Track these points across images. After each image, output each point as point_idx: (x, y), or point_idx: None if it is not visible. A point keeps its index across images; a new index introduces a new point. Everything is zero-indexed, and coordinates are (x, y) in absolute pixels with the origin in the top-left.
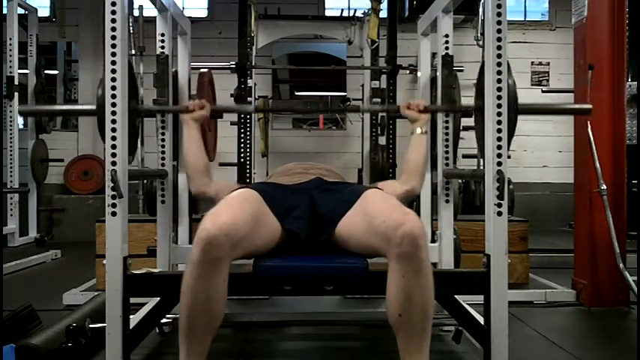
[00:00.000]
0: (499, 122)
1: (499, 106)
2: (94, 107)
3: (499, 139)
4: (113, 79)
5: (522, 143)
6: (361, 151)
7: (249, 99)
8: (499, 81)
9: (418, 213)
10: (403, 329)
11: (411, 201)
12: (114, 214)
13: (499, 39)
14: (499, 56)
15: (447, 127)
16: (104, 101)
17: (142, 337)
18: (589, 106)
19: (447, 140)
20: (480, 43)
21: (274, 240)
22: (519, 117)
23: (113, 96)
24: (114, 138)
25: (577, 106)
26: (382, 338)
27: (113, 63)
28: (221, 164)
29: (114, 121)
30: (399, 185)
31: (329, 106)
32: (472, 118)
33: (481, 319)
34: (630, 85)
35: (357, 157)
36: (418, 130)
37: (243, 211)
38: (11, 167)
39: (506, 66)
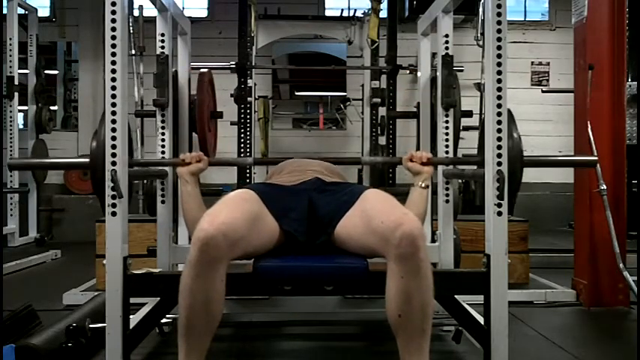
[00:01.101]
0: (499, 122)
1: (499, 106)
2: (87, 160)
3: (499, 139)
4: (113, 80)
5: (522, 143)
6: (361, 151)
7: (249, 99)
8: (499, 81)
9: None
10: (403, 330)
11: None
12: (114, 214)
13: (499, 39)
14: (499, 56)
15: (447, 127)
16: (99, 155)
17: (142, 337)
18: (594, 158)
19: (447, 140)
20: (480, 43)
21: (273, 241)
22: (520, 117)
23: (113, 96)
24: (114, 138)
25: (583, 158)
26: (382, 338)
27: (113, 63)
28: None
29: (114, 121)
30: None
31: (329, 106)
32: (472, 119)
33: (481, 319)
34: (630, 85)
35: (357, 157)
36: (420, 184)
37: (242, 211)
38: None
39: (512, 117)
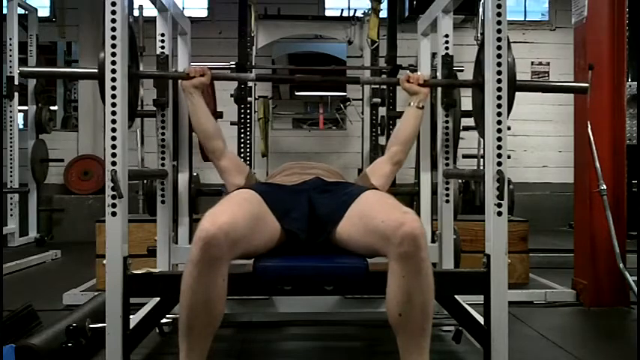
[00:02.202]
0: (499, 122)
1: (499, 106)
2: (95, 71)
3: (499, 139)
4: (113, 79)
5: (522, 143)
6: (361, 151)
7: (249, 99)
8: (499, 81)
9: (418, 213)
10: (403, 329)
11: (411, 201)
12: (114, 214)
13: (499, 39)
14: (499, 56)
15: (447, 127)
16: (104, 65)
17: (142, 337)
18: (586, 84)
19: (447, 140)
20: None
21: (274, 240)
22: (520, 117)
23: (113, 96)
24: (114, 138)
25: (574, 84)
26: (382, 338)
27: (113, 63)
28: None
29: (114, 121)
30: (387, 162)
31: (329, 107)
32: (472, 118)
33: (481, 319)
34: (630, 85)
35: (357, 157)
36: (416, 104)
37: (243, 210)
38: (11, 167)
39: (506, 43)
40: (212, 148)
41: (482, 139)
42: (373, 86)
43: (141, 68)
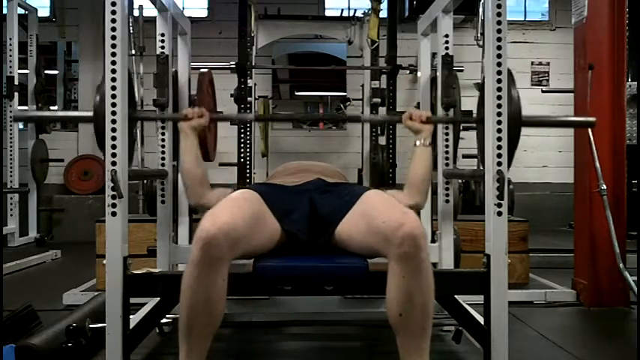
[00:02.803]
0: (499, 122)
1: (499, 106)
2: (90, 114)
3: (499, 139)
4: (113, 79)
5: (522, 143)
6: (361, 151)
7: (249, 99)
8: (499, 81)
9: (418, 213)
10: (403, 329)
11: None
12: (114, 214)
13: (499, 39)
14: (499, 56)
15: (446, 127)
16: (102, 108)
17: (142, 337)
18: (592, 119)
19: (447, 140)
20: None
21: (274, 240)
22: None
23: (113, 96)
24: (114, 138)
25: (581, 119)
26: (382, 338)
27: (113, 63)
28: (221, 164)
29: (114, 121)
30: (404, 198)
31: (329, 106)
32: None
33: (481, 319)
34: (630, 85)
35: (357, 157)
36: (422, 142)
37: (243, 211)
38: (11, 167)
39: (511, 76)
40: (199, 193)
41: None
42: (373, 86)
43: (141, 68)
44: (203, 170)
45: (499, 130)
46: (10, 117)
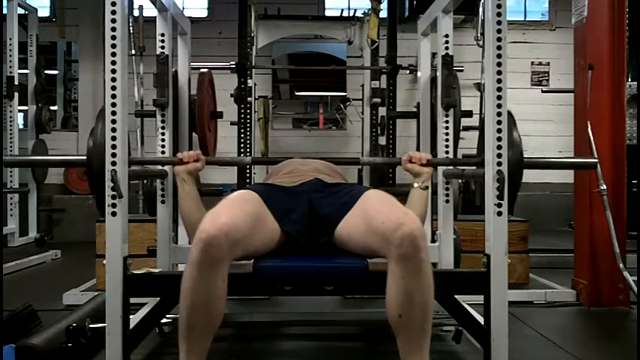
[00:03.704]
0: (499, 122)
1: (499, 106)
2: (84, 158)
3: (499, 139)
4: (113, 79)
5: (522, 143)
6: (361, 151)
7: (249, 99)
8: (499, 81)
9: None
10: (403, 330)
11: None
12: (114, 214)
13: (499, 39)
14: (499, 56)
15: (446, 127)
16: (96, 152)
17: (142, 337)
18: (594, 160)
19: (447, 140)
20: (480, 43)
21: (274, 241)
22: (520, 117)
23: (113, 96)
24: (114, 138)
25: (583, 160)
26: (382, 338)
27: (113, 63)
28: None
29: (114, 121)
30: None
31: (329, 106)
32: (472, 119)
33: (481, 319)
34: (630, 85)
35: (357, 157)
36: (420, 185)
37: (243, 211)
38: (11, 167)
39: (512, 119)
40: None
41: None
42: (373, 86)
43: (141, 68)
44: (203, 214)
45: (499, 130)
46: (11, 113)
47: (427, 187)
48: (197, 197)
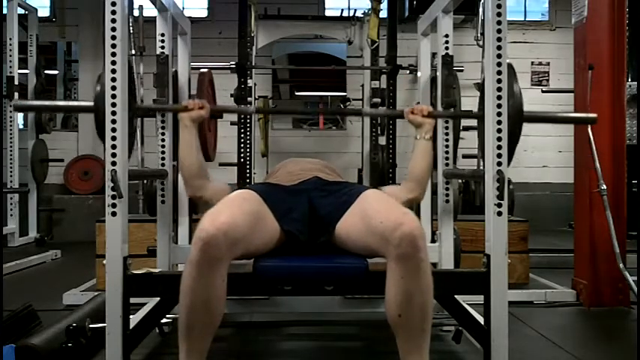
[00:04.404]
0: (499, 122)
1: (499, 106)
2: (91, 104)
3: (499, 139)
4: (113, 79)
5: (522, 143)
6: (361, 151)
7: (249, 99)
8: (499, 81)
9: (418, 213)
10: (403, 329)
11: None
12: (114, 214)
13: (499, 39)
14: (499, 56)
15: (446, 127)
16: (103, 99)
17: (142, 337)
18: (594, 115)
19: (447, 140)
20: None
21: (273, 240)
22: None
23: (113, 96)
24: (114, 138)
25: (582, 115)
26: (382, 338)
27: (113, 63)
28: (221, 164)
29: (114, 121)
30: (402, 192)
31: (329, 106)
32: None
33: (481, 319)
34: (630, 85)
35: (357, 157)
36: (423, 136)
37: (243, 211)
38: (11, 167)
39: (512, 70)
40: (197, 185)
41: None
42: (373, 86)
43: (141, 68)
44: (201, 162)
45: (499, 130)
46: (11, 113)
47: (431, 138)
48: (197, 146)
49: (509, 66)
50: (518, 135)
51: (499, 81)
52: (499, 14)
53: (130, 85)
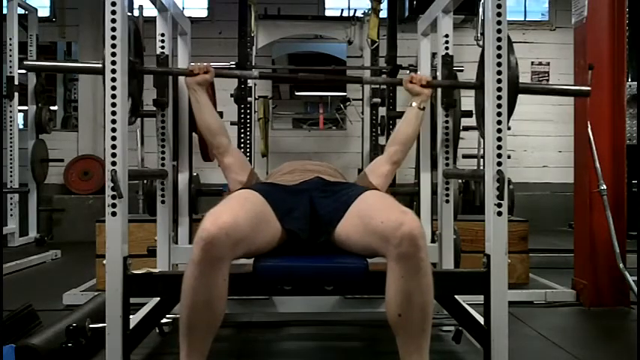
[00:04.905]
0: (499, 122)
1: (499, 106)
2: (99, 65)
3: (499, 139)
4: (113, 79)
5: (522, 143)
6: (361, 151)
7: (249, 99)
8: (499, 81)
9: (418, 213)
10: (403, 329)
11: (411, 201)
12: (114, 214)
13: (499, 39)
14: (499, 56)
15: (447, 127)
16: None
17: (142, 337)
18: (587, 88)
19: (447, 140)
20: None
21: (275, 240)
22: (520, 117)
23: (113, 96)
24: (114, 138)
25: (576, 87)
26: (382, 338)
27: (113, 63)
28: None
29: (114, 121)
30: (386, 161)
31: (329, 106)
32: (472, 118)
33: (481, 319)
34: (630, 85)
35: (357, 157)
36: (418, 105)
37: (244, 210)
38: (11, 167)
39: (508, 43)
40: (217, 143)
41: (482, 140)
42: (373, 86)
43: None
44: (219, 120)
45: (499, 130)
46: (10, 113)
47: (424, 108)
48: (209, 103)
49: (507, 38)
50: (513, 105)
51: (499, 81)
52: (499, 14)
53: (136, 45)
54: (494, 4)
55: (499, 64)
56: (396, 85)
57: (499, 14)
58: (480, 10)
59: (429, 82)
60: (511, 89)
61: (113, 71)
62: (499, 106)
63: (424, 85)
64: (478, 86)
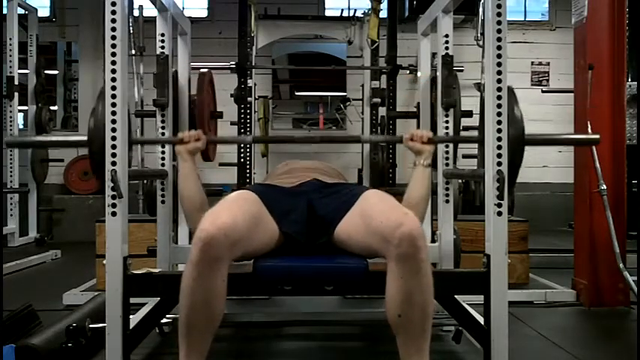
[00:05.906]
0: (499, 122)
1: (499, 106)
2: (85, 138)
3: (499, 139)
4: (113, 79)
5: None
6: (361, 151)
7: (249, 99)
8: (499, 81)
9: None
10: (403, 330)
11: None
12: (114, 214)
13: (499, 39)
14: (499, 56)
15: (447, 127)
16: (96, 132)
17: (142, 337)
18: (596, 136)
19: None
20: (480, 43)
21: (273, 241)
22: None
23: (113, 96)
24: (114, 138)
25: (585, 136)
26: (382, 338)
27: (113, 63)
28: (221, 164)
29: (114, 121)
30: None
31: (329, 106)
32: (472, 119)
33: (481, 319)
34: (630, 85)
35: (357, 157)
36: (422, 163)
37: (243, 211)
38: (11, 167)
39: (513, 94)
40: (195, 219)
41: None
42: (373, 86)
43: (141, 68)
44: (202, 197)
45: (499, 130)
46: (11, 113)
47: (429, 165)
48: (197, 178)
49: (510, 90)
50: (520, 158)
51: (499, 81)
52: (499, 14)
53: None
54: (494, 4)
55: (499, 64)
56: (397, 143)
57: (499, 14)
58: (480, 10)
59: (430, 138)
60: (518, 142)
61: (113, 71)
62: (499, 106)
63: (425, 142)
64: (481, 140)
